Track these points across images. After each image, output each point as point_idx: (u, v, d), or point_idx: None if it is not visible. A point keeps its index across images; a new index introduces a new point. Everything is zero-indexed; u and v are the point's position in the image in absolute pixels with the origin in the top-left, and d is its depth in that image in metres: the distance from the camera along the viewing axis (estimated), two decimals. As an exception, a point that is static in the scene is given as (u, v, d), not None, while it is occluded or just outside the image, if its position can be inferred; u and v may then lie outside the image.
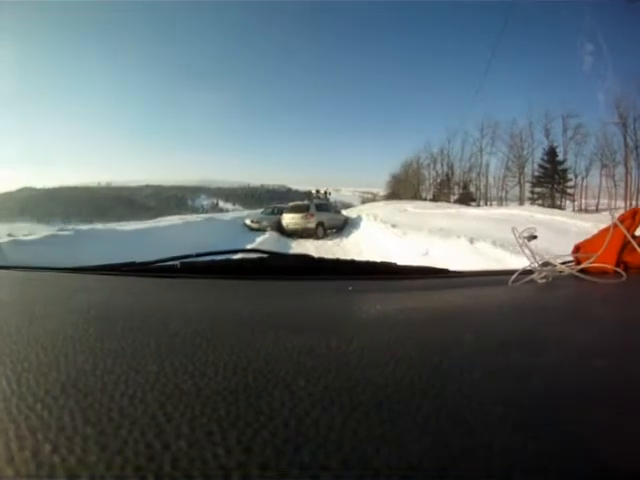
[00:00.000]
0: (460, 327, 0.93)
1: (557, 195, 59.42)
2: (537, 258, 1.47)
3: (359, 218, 25.89)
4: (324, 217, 22.81)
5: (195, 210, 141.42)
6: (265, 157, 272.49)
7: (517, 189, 64.08)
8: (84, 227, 16.56)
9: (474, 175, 68.94)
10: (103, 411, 0.54)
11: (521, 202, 59.78)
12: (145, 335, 0.83)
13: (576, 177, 59.03)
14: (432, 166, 74.86)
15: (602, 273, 1.48)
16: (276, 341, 0.79)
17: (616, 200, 54.26)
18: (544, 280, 1.42)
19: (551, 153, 60.60)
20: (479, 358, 0.73)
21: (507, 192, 65.62)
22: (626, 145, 52.51)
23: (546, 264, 1.48)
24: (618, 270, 1.44)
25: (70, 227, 15.29)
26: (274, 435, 0.48)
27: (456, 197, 67.95)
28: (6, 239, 11.35)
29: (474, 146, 68.43)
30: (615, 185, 55.33)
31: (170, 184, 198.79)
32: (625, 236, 1.49)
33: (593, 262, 1.49)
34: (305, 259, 1.78)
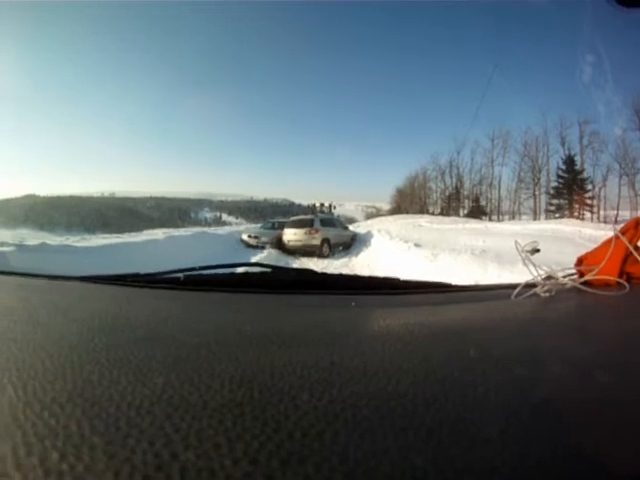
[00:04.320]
0: (463, 342, 0.94)
1: (576, 206, 57.27)
2: (539, 272, 1.51)
3: (369, 234, 24.22)
4: (330, 233, 20.95)
5: (198, 223, 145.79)
6: (269, 171, 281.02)
7: (530, 201, 62.09)
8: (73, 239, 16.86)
9: (484, 188, 67.33)
10: (110, 421, 0.56)
11: (536, 215, 58.71)
12: (151, 347, 0.85)
13: (594, 187, 56.92)
14: (440, 179, 73.63)
15: (605, 285, 1.51)
16: (280, 355, 0.82)
17: (637, 210, 52.05)
18: (547, 293, 1.45)
19: (569, 162, 58.56)
20: (481, 373, 0.75)
21: (520, 205, 63.51)
22: None
23: (549, 277, 1.54)
24: (620, 281, 1.46)
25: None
26: (279, 447, 0.51)
27: (466, 211, 66.90)
28: (10, 246, 11.45)
29: (485, 157, 66.82)
30: (636, 195, 53.13)
31: (173, 196, 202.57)
32: (628, 247, 1.54)
33: (596, 274, 1.53)
34: (308, 273, 1.85)
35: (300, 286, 1.65)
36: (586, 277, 1.51)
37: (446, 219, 44.86)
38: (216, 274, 1.80)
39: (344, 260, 17.70)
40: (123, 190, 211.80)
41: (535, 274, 1.51)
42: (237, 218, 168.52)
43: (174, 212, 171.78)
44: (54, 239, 17.51)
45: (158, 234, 19.57)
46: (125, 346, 0.83)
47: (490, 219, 60.13)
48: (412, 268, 11.94)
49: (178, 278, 1.67)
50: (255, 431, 0.53)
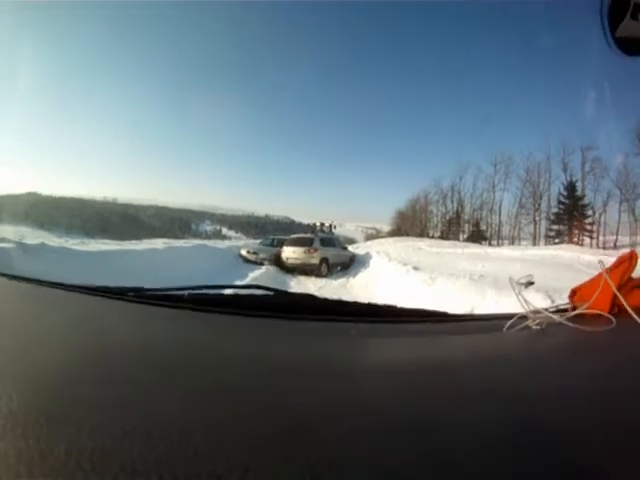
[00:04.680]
0: (456, 375, 0.99)
1: (575, 232, 57.77)
2: (530, 307, 1.55)
3: (368, 256, 24.21)
4: (329, 253, 21.06)
5: (198, 235, 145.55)
6: (271, 188, 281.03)
7: (531, 227, 62.26)
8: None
9: (485, 212, 67.59)
10: (120, 455, 0.56)
11: (536, 240, 58.98)
12: (158, 370, 0.88)
13: (594, 213, 57.47)
14: (441, 202, 73.71)
15: (597, 317, 1.56)
16: (287, 388, 0.85)
17: (637, 236, 53.09)
18: (538, 326, 1.47)
19: (571, 188, 59.01)
20: (470, 406, 0.80)
21: (520, 230, 63.75)
22: None
23: (539, 311, 1.55)
24: (607, 316, 1.51)
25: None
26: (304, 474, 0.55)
27: (466, 235, 67.25)
28: (10, 243, 11.56)
29: (486, 182, 66.95)
30: (636, 220, 53.76)
31: (175, 206, 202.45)
32: (620, 279, 1.59)
33: (587, 308, 1.58)
34: (309, 298, 1.80)
35: (301, 311, 1.63)
36: (574, 312, 1.54)
37: (446, 243, 45.13)
38: (220, 294, 1.83)
39: (342, 280, 17.64)
40: (125, 196, 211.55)
41: (527, 308, 1.53)
42: (237, 233, 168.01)
43: (175, 222, 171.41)
44: (54, 240, 17.49)
45: (158, 244, 19.69)
46: (130, 366, 0.85)
47: (490, 244, 60.54)
48: (410, 291, 11.91)
49: (182, 295, 1.69)
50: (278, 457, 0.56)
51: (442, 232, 70.40)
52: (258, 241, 27.51)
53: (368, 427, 0.68)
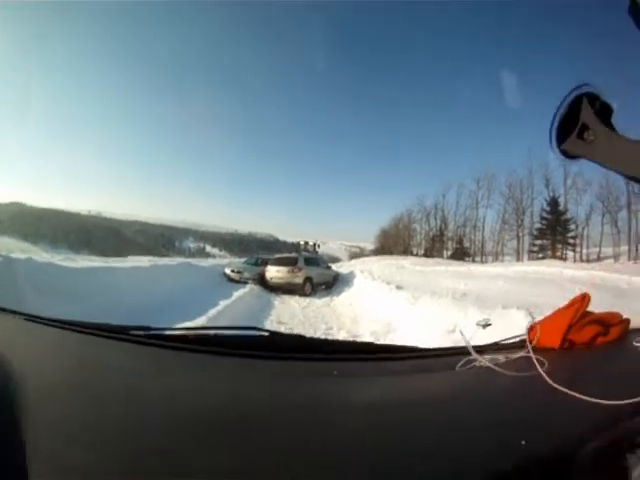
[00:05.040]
0: (418, 412, 1.13)
1: (558, 246, 58.47)
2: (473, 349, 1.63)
3: (351, 275, 24.45)
4: (313, 272, 21.10)
5: (182, 252, 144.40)
6: (255, 205, 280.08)
7: (514, 242, 62.91)
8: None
9: (468, 229, 68.25)
10: None
11: (519, 256, 59.50)
12: (169, 416, 0.93)
13: (577, 227, 58.31)
14: (425, 220, 74.44)
15: (550, 349, 1.70)
16: (273, 426, 0.96)
17: (620, 247, 54.28)
18: (487, 364, 1.52)
19: (553, 203, 59.79)
20: (425, 441, 0.94)
21: (504, 246, 64.59)
22: (629, 189, 51.86)
23: (484, 350, 1.72)
24: (538, 358, 1.49)
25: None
26: None
27: (450, 252, 67.66)
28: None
29: (470, 199, 68.05)
30: (619, 232, 54.89)
31: (159, 222, 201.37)
32: (572, 318, 1.74)
33: (538, 343, 1.70)
34: (299, 339, 1.96)
35: (291, 350, 1.73)
36: (515, 356, 1.61)
37: (430, 261, 45.49)
38: (219, 335, 1.88)
39: (326, 300, 17.61)
40: (109, 211, 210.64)
41: (473, 353, 1.60)
42: (221, 250, 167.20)
43: (158, 239, 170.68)
44: (39, 253, 17.33)
45: (143, 261, 19.77)
46: (141, 414, 0.92)
47: (473, 260, 61.17)
48: (393, 311, 11.90)
49: (187, 336, 1.79)
50: None
51: (426, 250, 70.92)
52: (242, 260, 27.54)
53: (321, 464, 0.79)
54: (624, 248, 52.75)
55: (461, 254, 64.16)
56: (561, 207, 59.37)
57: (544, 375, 1.27)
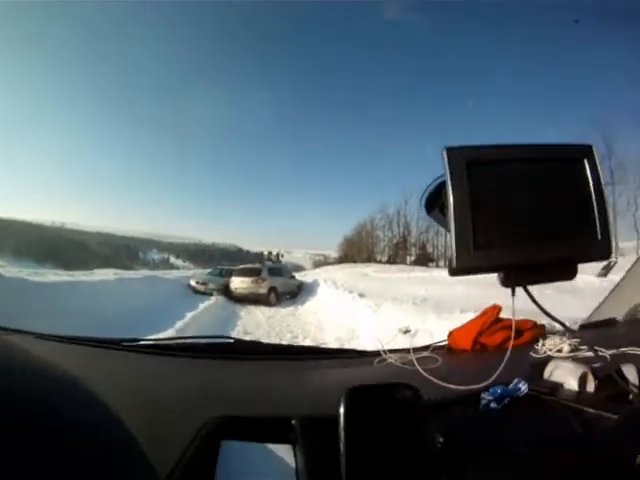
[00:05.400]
0: (323, 396, 1.24)
1: None
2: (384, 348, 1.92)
3: (315, 283, 24.72)
4: (277, 282, 21.30)
5: (146, 264, 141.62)
6: (218, 215, 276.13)
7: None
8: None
9: (431, 235, 68.40)
10: None
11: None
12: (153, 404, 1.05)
13: None
14: (387, 227, 75.16)
15: (463, 351, 2.04)
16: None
17: None
18: (397, 361, 1.77)
19: None
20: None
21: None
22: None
23: (397, 351, 1.93)
24: (432, 356, 1.84)
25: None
26: None
27: (413, 258, 67.98)
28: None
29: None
30: None
31: (122, 234, 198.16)
32: (482, 325, 2.05)
33: (451, 345, 2.08)
34: (256, 344, 2.41)
35: (251, 352, 2.03)
36: (417, 355, 1.82)
37: (393, 267, 45.90)
38: (195, 343, 2.09)
39: (290, 309, 17.78)
40: (72, 222, 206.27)
41: (383, 350, 1.90)
42: (185, 262, 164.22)
43: (122, 250, 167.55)
44: (4, 267, 16.98)
45: (109, 275, 19.34)
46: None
47: (437, 265, 61.43)
48: (356, 318, 12.21)
49: (171, 345, 2.05)
50: None
51: (389, 256, 71.52)
52: (206, 271, 27.45)
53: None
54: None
55: (424, 260, 64.75)
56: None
57: (419, 368, 1.53)
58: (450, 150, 0.89)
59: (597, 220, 0.87)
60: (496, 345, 1.99)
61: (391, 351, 1.93)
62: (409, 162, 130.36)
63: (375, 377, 1.65)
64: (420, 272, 35.86)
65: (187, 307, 14.37)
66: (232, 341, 2.13)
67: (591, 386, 1.19)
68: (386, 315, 11.35)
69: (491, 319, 2.05)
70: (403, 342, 2.10)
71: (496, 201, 0.87)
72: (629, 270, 2.57)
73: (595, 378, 1.20)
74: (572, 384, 1.21)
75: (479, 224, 0.85)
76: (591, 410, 1.06)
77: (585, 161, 0.88)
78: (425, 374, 1.41)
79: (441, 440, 0.86)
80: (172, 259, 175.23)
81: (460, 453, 0.86)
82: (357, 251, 78.92)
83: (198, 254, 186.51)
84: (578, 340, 1.76)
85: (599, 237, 0.87)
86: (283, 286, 21.78)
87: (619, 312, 2.45)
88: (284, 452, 0.89)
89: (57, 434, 0.69)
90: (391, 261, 65.74)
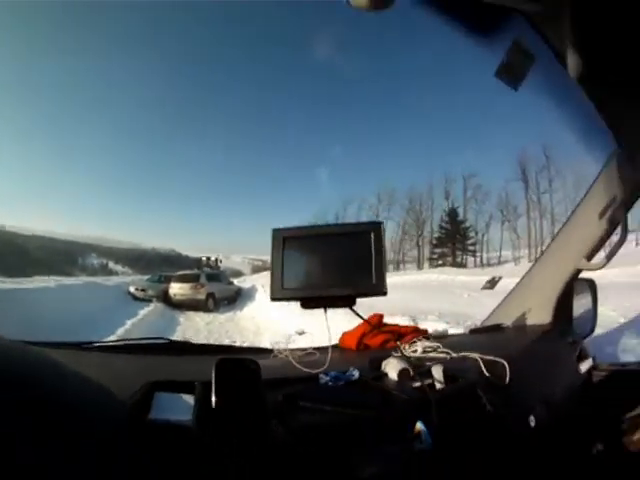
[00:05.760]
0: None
1: (459, 253, 61.81)
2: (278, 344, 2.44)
3: (253, 289, 25.08)
4: (215, 288, 21.49)
5: (85, 269, 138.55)
6: (157, 220, 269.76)
7: (415, 251, 65.86)
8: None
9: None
10: None
11: (420, 263, 62.29)
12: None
13: (477, 234, 61.95)
14: None
15: (349, 349, 2.27)
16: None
17: (520, 250, 58.39)
18: (286, 356, 1.90)
19: (452, 214, 62.95)
20: None
21: (405, 255, 67.21)
22: (528, 198, 57.32)
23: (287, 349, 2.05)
24: (312, 352, 2.04)
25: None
26: None
27: None
28: None
29: (370, 211, 69.65)
30: (518, 237, 58.72)
31: (60, 237, 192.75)
32: (365, 328, 2.25)
33: (342, 344, 2.32)
34: (185, 343, 2.51)
35: (183, 351, 2.18)
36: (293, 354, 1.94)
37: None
38: (137, 343, 2.19)
39: (229, 315, 18.03)
40: (12, 224, 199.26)
41: (275, 348, 2.07)
42: (124, 267, 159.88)
43: (61, 255, 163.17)
44: None
45: (50, 282, 19.14)
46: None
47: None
48: (292, 323, 12.23)
49: (117, 346, 2.16)
50: None
51: None
52: (146, 277, 27.41)
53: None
54: (525, 251, 56.66)
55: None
56: (460, 217, 62.82)
57: (292, 360, 1.67)
58: (275, 230, 1.30)
59: (374, 270, 1.22)
60: (377, 345, 2.24)
61: (293, 349, 2.10)
62: (348, 168, 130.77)
63: (263, 365, 1.72)
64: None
65: (127, 314, 14.61)
66: (168, 341, 2.28)
67: (407, 377, 1.47)
68: (320, 318, 11.50)
69: (373, 324, 2.29)
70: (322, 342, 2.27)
71: (299, 260, 1.29)
72: (521, 280, 2.80)
73: (413, 372, 1.46)
74: (393, 375, 1.49)
75: (287, 272, 1.27)
76: (394, 392, 1.35)
77: (372, 233, 1.25)
78: (294, 362, 1.62)
79: (280, 398, 1.19)
80: (111, 264, 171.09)
81: (294, 409, 1.17)
82: None
83: (137, 259, 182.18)
84: (438, 344, 1.95)
85: (374, 281, 1.22)
86: (221, 292, 21.99)
87: (509, 318, 2.67)
88: (190, 399, 1.11)
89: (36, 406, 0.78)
90: None
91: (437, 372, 1.41)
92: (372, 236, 1.25)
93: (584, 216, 2.34)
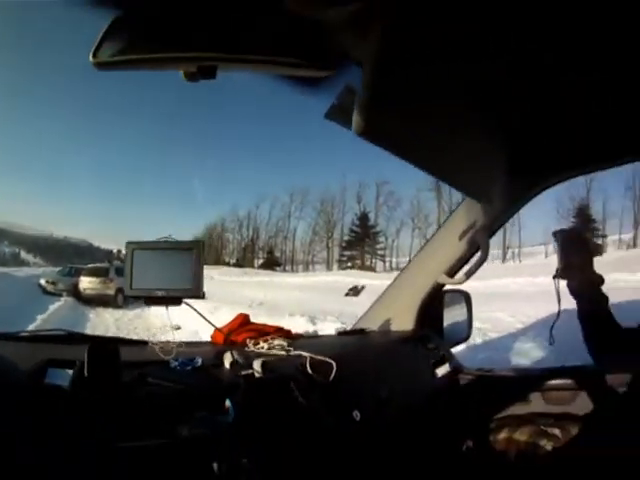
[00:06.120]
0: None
1: (368, 257, 62.47)
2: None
3: (163, 285, 24.24)
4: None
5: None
6: (70, 206, 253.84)
7: (324, 253, 66.30)
8: None
9: (280, 239, 70.56)
10: None
11: (329, 265, 63.03)
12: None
13: (387, 239, 62.77)
14: (237, 230, 75.56)
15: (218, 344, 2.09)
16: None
17: None
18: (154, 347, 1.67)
19: (363, 218, 63.77)
20: None
21: (314, 256, 67.59)
22: (439, 208, 58.57)
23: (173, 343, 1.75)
24: (180, 344, 1.72)
25: None
26: None
27: (261, 261, 69.30)
28: None
29: (282, 211, 70.35)
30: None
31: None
32: (231, 326, 2.15)
33: (213, 340, 2.14)
34: (83, 336, 2.19)
35: (79, 342, 1.95)
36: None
37: (237, 271, 47.37)
38: (41, 335, 2.13)
39: (137, 311, 17.45)
40: None
41: (154, 342, 1.84)
42: (35, 257, 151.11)
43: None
44: None
45: None
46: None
47: (284, 269, 63.80)
48: (197, 321, 12.94)
49: (16, 336, 2.03)
50: None
51: (238, 259, 71.37)
52: (57, 269, 26.82)
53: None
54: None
55: (271, 264, 66.28)
56: (371, 222, 63.74)
57: (156, 349, 1.62)
58: (127, 242, 1.55)
59: (193, 278, 1.49)
60: (241, 341, 2.19)
61: (165, 342, 1.89)
62: (261, 168, 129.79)
63: (133, 352, 1.82)
64: (264, 276, 37.59)
65: (38, 309, 14.76)
66: (65, 333, 2.16)
67: (236, 366, 1.56)
68: (223, 317, 11.80)
69: (238, 322, 2.30)
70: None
71: (143, 267, 1.54)
72: (387, 288, 2.84)
73: (242, 363, 1.56)
74: (226, 364, 1.58)
75: (135, 276, 1.52)
76: (220, 376, 1.50)
77: (194, 249, 1.53)
78: (157, 350, 1.62)
79: (135, 375, 1.30)
80: (23, 254, 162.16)
81: (143, 383, 1.30)
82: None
83: (49, 249, 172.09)
84: (284, 342, 1.97)
85: (191, 287, 1.48)
86: (131, 287, 21.41)
87: (375, 323, 2.68)
88: (70, 372, 1.22)
89: None
90: (239, 264, 65.98)
91: (257, 365, 1.52)
92: (194, 251, 1.53)
93: (446, 237, 2.49)
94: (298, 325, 9.75)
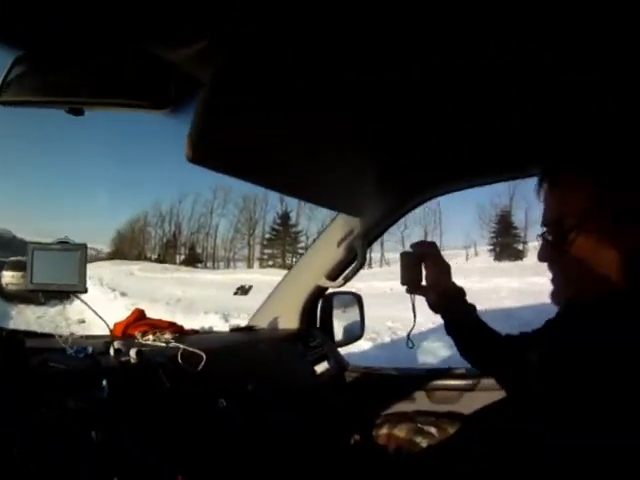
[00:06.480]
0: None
1: (289, 255, 62.60)
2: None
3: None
4: (47, 278, 19.85)
5: None
6: None
7: (245, 250, 66.64)
8: None
9: (202, 236, 70.27)
10: None
11: (250, 262, 63.36)
12: None
13: (308, 239, 62.74)
14: (160, 225, 74.51)
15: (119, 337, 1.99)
16: None
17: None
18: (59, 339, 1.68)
19: (284, 217, 64.42)
20: None
21: (235, 253, 67.78)
22: None
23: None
24: (90, 337, 1.91)
25: None
26: None
27: (182, 257, 68.95)
28: None
29: (205, 207, 70.22)
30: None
31: None
32: (128, 321, 2.09)
33: (115, 333, 2.02)
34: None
35: None
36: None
37: (158, 267, 46.65)
38: None
39: (58, 308, 16.87)
40: None
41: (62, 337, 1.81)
42: None
43: None
44: None
45: None
46: None
47: (206, 266, 63.55)
48: (115, 316, 12.74)
49: None
50: None
51: (159, 255, 70.66)
52: None
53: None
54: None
55: (193, 260, 65.83)
56: (293, 221, 64.40)
57: (59, 340, 1.63)
58: (29, 242, 1.62)
59: (78, 275, 1.56)
60: (135, 335, 2.16)
61: (70, 335, 1.88)
62: (184, 164, 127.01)
63: (42, 344, 1.75)
64: (184, 273, 37.55)
65: None
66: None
67: (119, 354, 1.59)
68: (157, 314, 12.29)
69: (134, 317, 2.31)
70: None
71: (43, 265, 1.61)
72: (275, 287, 2.89)
73: (124, 352, 1.60)
74: (111, 352, 1.60)
75: (35, 272, 1.58)
76: (100, 361, 1.50)
77: (79, 251, 1.60)
78: (60, 341, 1.62)
79: (37, 361, 1.34)
80: None
81: (45, 367, 1.34)
82: (129, 247, 75.93)
83: None
84: (170, 336, 1.99)
85: (77, 283, 1.56)
86: (50, 282, 20.24)
87: (264, 321, 2.71)
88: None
89: None
90: (161, 259, 65.55)
91: (133, 353, 1.55)
92: (79, 252, 1.60)
93: (327, 242, 2.53)
94: (211, 322, 10.10)
